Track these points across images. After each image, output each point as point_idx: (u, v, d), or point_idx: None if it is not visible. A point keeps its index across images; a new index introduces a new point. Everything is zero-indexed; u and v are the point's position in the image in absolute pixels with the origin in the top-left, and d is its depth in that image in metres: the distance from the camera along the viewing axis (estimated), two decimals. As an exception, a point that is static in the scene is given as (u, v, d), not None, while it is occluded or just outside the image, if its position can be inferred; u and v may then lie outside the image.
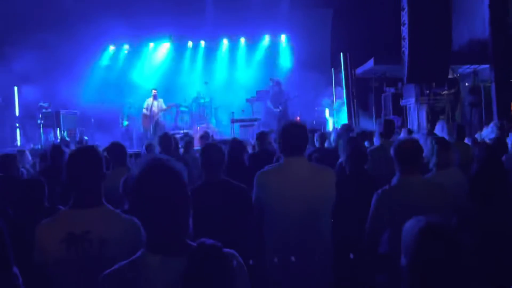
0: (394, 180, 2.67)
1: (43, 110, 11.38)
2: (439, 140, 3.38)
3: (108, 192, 2.94)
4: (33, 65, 11.50)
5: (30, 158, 6.61)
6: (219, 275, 1.26)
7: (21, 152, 6.33)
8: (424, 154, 3.62)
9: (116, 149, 4.28)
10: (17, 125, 12.12)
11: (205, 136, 8.18)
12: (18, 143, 11.84)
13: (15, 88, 12.61)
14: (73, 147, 7.52)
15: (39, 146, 10.24)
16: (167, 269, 1.32)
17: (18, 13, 11.27)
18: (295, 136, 2.71)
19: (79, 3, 12.57)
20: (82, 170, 2.07)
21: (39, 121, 11.03)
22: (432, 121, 9.14)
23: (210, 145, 3.09)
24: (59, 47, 12.76)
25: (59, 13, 12.48)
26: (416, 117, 9.72)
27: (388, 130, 4.62)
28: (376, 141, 5.21)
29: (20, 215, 3.35)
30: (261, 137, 5.00)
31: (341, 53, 10.95)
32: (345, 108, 11.17)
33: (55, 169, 4.30)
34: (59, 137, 10.64)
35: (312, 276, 2.54)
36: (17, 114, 12.34)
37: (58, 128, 11.09)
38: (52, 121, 11.05)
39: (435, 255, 1.36)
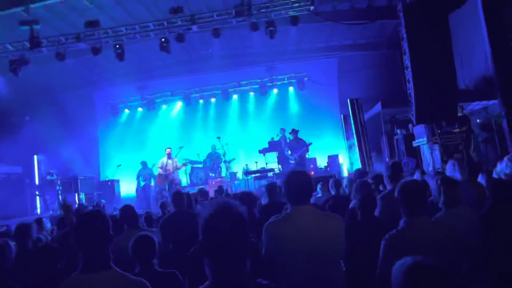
0: (401, 223, 2.65)
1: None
2: (445, 179, 3.36)
3: (122, 253, 3.00)
4: (51, 134, 12.00)
5: (49, 225, 6.71)
6: None
7: (39, 220, 6.43)
8: (433, 194, 3.60)
9: (128, 212, 4.34)
10: (37, 193, 12.40)
11: (219, 191, 8.23)
12: (38, 211, 12.06)
13: (35, 157, 13.05)
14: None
15: (58, 213, 10.40)
16: None
17: (37, 83, 11.90)
18: (299, 184, 2.71)
19: (93, 72, 13.24)
20: (89, 234, 2.12)
21: (57, 187, 11.29)
22: (447, 161, 9.03)
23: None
24: (76, 114, 13.34)
25: (74, 82, 13.16)
26: (430, 157, 9.63)
27: (396, 172, 4.57)
28: (387, 184, 5.16)
29: (35, 281, 3.43)
30: (270, 188, 4.99)
31: (348, 100, 11.12)
32: (357, 153, 11.17)
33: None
34: (77, 202, 10.82)
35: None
36: (36, 182, 12.67)
37: (76, 193, 11.31)
38: (70, 186, 11.30)
39: None
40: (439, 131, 9.67)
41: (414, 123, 9.27)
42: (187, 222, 4.62)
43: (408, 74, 8.96)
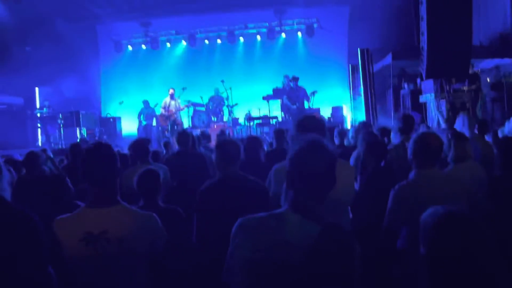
0: (411, 175, 2.62)
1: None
2: (456, 133, 3.32)
3: (130, 188, 3.00)
4: (53, 66, 11.77)
5: (51, 157, 6.72)
6: (344, 250, 1.48)
7: (44, 150, 6.43)
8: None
9: (139, 146, 4.33)
10: (39, 125, 12.38)
11: (221, 135, 8.21)
12: (39, 143, 12.11)
13: (36, 89, 12.90)
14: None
15: (60, 146, 10.44)
16: (303, 228, 1.51)
17: (38, 13, 11.51)
18: (311, 128, 2.62)
19: (95, 5, 12.78)
20: (97, 168, 2.07)
21: (59, 121, 11.24)
22: (452, 118, 8.96)
23: (226, 141, 3.08)
24: (78, 48, 13.03)
25: (76, 13, 12.73)
26: (436, 113, 9.54)
27: (408, 125, 4.51)
28: (394, 137, 5.11)
29: (40, 211, 3.43)
30: (278, 134, 4.95)
31: (358, 49, 10.80)
32: (363, 105, 11.04)
33: (74, 168, 4.38)
34: (78, 137, 10.83)
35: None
36: (38, 114, 12.61)
37: (77, 128, 11.28)
38: (72, 121, 11.25)
39: (456, 244, 1.32)
40: (447, 87, 9.51)
41: (424, 77, 9.09)
42: (192, 161, 4.63)
43: (423, 25, 8.63)
